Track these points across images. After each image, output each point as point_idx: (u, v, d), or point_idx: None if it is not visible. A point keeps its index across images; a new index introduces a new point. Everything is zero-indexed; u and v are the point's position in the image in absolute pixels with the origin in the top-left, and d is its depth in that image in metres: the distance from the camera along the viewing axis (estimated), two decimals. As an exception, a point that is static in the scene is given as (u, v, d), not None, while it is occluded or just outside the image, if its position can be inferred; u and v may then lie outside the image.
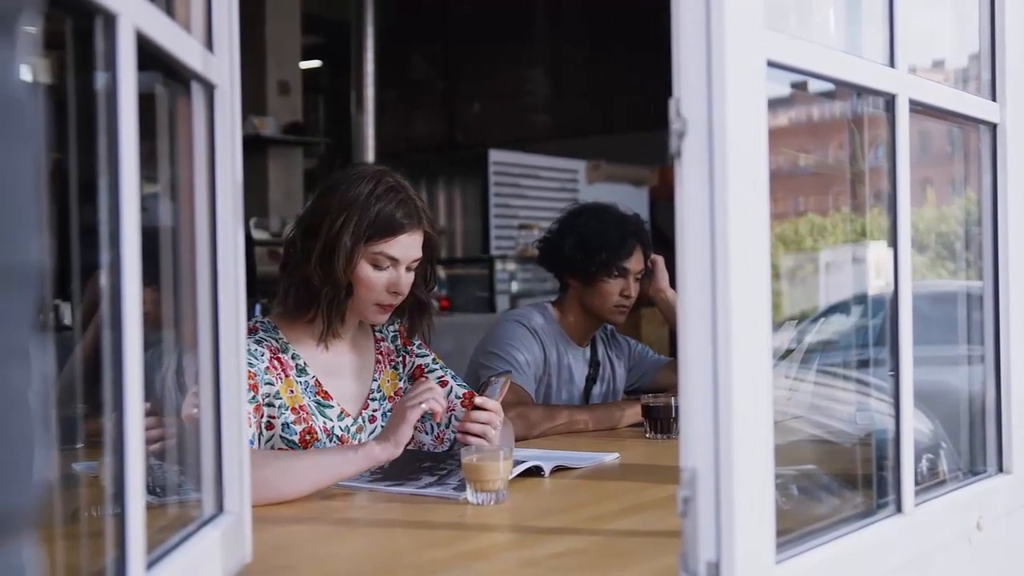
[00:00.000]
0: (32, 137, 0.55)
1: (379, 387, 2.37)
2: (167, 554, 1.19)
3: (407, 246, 2.23)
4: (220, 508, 1.38)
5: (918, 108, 1.59)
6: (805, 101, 1.69)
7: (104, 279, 1.02)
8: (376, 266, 2.21)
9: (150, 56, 1.12)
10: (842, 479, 1.73)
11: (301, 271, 2.20)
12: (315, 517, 1.84)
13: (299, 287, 2.22)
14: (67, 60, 1.04)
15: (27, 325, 0.56)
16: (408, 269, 2.24)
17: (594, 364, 3.17)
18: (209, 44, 1.36)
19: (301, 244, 2.22)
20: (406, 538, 1.71)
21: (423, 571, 1.51)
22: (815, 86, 1.56)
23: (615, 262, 3.00)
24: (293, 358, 2.24)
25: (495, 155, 8.26)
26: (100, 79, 1.03)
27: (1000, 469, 1.82)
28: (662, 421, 2.66)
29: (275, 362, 2.18)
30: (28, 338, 0.56)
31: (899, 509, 1.52)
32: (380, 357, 2.40)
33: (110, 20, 1.00)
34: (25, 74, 0.57)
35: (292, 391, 2.20)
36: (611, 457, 2.37)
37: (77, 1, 0.95)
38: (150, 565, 1.10)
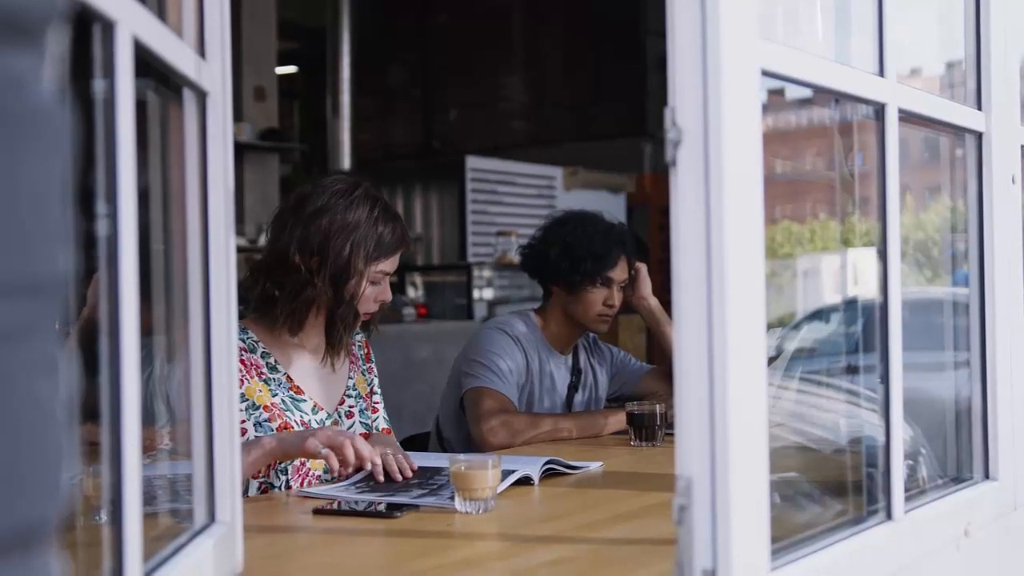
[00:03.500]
0: (60, 147, 0.55)
1: (354, 385, 2.45)
2: (161, 565, 1.18)
3: (397, 260, 2.36)
4: (212, 518, 1.37)
5: (905, 117, 1.60)
6: (782, 107, 1.70)
7: (101, 286, 1.01)
8: (374, 282, 2.32)
9: (144, 63, 1.11)
10: (831, 487, 1.73)
11: (309, 293, 2.25)
12: (306, 527, 1.83)
13: (305, 306, 2.27)
14: (63, 67, 1.03)
15: (54, 336, 0.56)
16: (390, 278, 2.37)
17: (576, 372, 3.17)
18: (201, 51, 1.35)
19: (304, 265, 2.24)
20: (396, 547, 1.70)
21: (415, 580, 1.50)
22: (792, 93, 1.57)
23: (600, 272, 3.00)
24: (263, 356, 2.29)
25: (472, 162, 8.25)
26: (97, 86, 1.02)
27: (987, 476, 1.83)
28: (647, 429, 2.66)
29: (238, 364, 2.20)
30: (55, 349, 0.56)
31: (889, 516, 1.53)
32: (353, 358, 2.48)
33: (108, 27, 0.99)
34: (52, 84, 0.56)
35: (260, 390, 2.24)
36: (596, 466, 2.37)
37: (75, 8, 0.94)
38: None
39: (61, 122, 0.56)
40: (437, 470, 2.20)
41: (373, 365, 2.53)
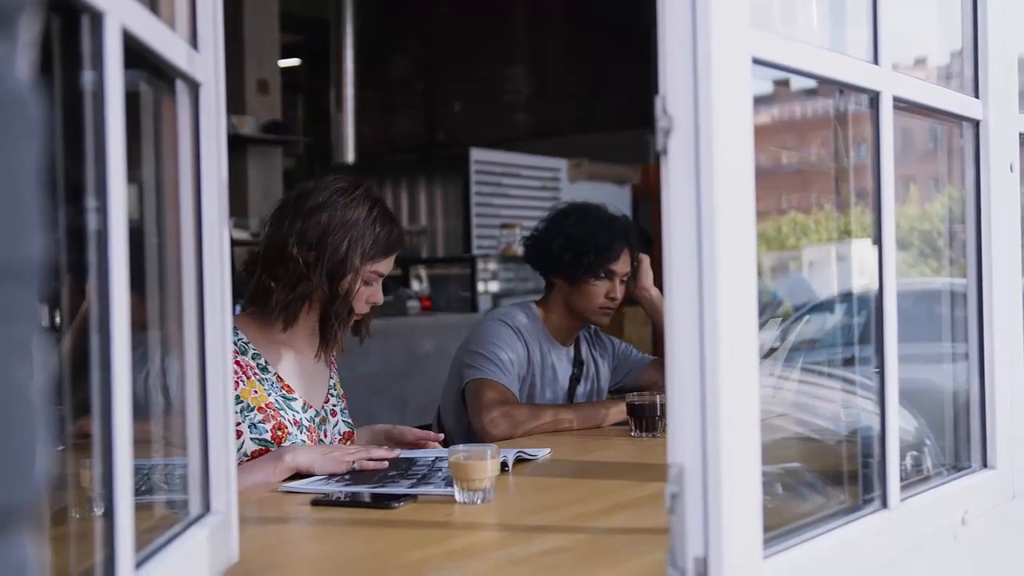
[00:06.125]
0: (34, 134, 0.55)
1: (334, 385, 2.49)
2: (154, 554, 1.18)
3: (392, 263, 2.39)
4: (207, 508, 1.38)
5: (901, 105, 1.60)
6: (788, 98, 1.70)
7: (91, 281, 1.02)
8: (366, 282, 2.33)
9: (135, 54, 1.11)
10: (828, 476, 1.73)
11: (304, 287, 2.27)
12: (302, 517, 1.83)
13: (300, 300, 2.30)
14: (52, 58, 1.04)
15: (30, 321, 0.56)
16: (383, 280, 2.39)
17: (578, 363, 3.17)
18: (194, 42, 1.36)
19: (302, 258, 2.25)
20: (394, 538, 1.70)
21: (412, 570, 1.50)
22: (797, 83, 1.57)
23: (602, 264, 3.00)
24: (253, 358, 2.32)
25: (476, 154, 8.24)
26: (86, 77, 1.02)
27: (984, 464, 1.83)
28: (647, 419, 2.66)
29: (233, 366, 2.22)
30: (31, 334, 0.56)
31: (885, 504, 1.53)
32: (333, 360, 2.51)
33: (97, 18, 0.99)
34: (26, 71, 0.57)
35: (256, 392, 2.27)
36: (543, 452, 2.39)
37: (63, -1, 0.94)
38: (138, 565, 1.09)
39: (34, 109, 0.56)
40: (412, 460, 2.23)
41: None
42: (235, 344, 2.28)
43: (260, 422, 2.24)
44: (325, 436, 2.38)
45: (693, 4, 1.17)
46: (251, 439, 2.23)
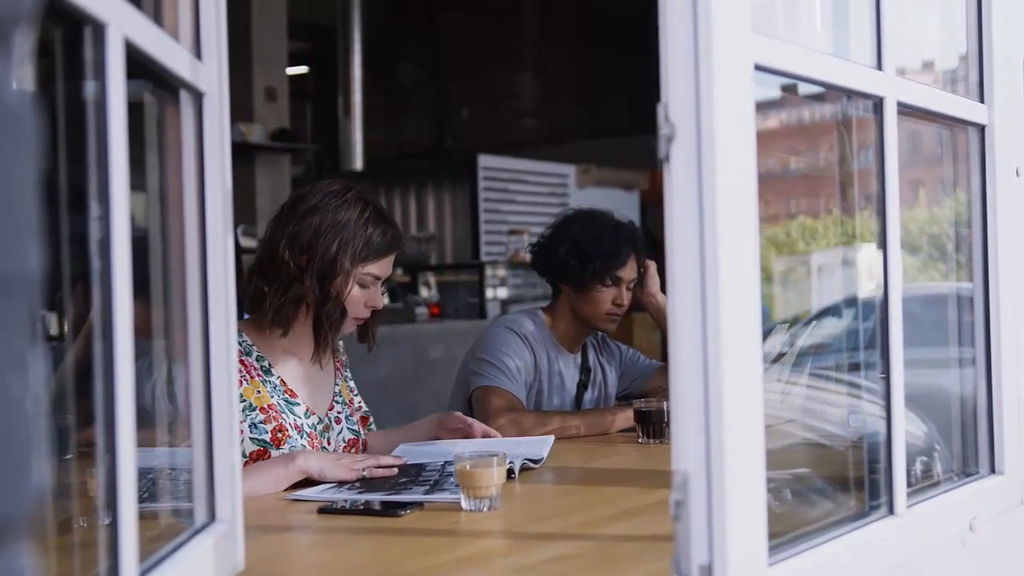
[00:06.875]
0: (31, 146, 0.56)
1: (339, 392, 2.48)
2: (159, 563, 1.18)
3: (389, 265, 2.37)
4: (212, 516, 1.38)
5: (906, 110, 1.59)
6: (795, 103, 1.70)
7: (94, 289, 1.02)
8: (362, 285, 2.33)
9: (138, 64, 1.12)
10: (835, 482, 1.73)
11: (296, 290, 2.27)
12: (308, 526, 1.83)
13: (293, 304, 2.29)
14: (55, 68, 1.04)
15: (26, 333, 0.56)
16: (383, 284, 2.38)
17: (585, 370, 3.17)
18: (197, 52, 1.36)
19: (294, 262, 2.26)
20: (401, 545, 1.70)
21: (417, 578, 1.50)
22: (804, 88, 1.57)
23: (609, 271, 2.99)
24: (258, 360, 2.32)
25: (484, 160, 8.25)
26: (89, 88, 1.03)
27: (992, 470, 1.83)
28: (654, 425, 2.66)
29: (238, 365, 2.23)
30: (27, 346, 0.56)
31: (891, 511, 1.52)
32: (339, 366, 2.51)
33: (99, 29, 1.00)
34: (22, 84, 0.57)
35: (259, 391, 2.28)
36: (548, 440, 2.43)
37: (66, 10, 0.95)
38: (143, 574, 1.09)
39: (31, 122, 0.56)
40: (422, 467, 2.22)
41: (348, 372, 2.58)
42: (240, 345, 2.28)
43: (261, 422, 2.24)
44: (328, 443, 2.38)
45: (694, 10, 1.17)
46: (251, 439, 2.23)
